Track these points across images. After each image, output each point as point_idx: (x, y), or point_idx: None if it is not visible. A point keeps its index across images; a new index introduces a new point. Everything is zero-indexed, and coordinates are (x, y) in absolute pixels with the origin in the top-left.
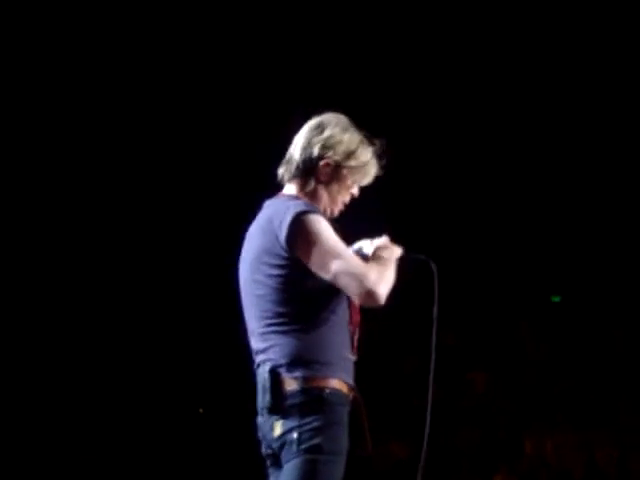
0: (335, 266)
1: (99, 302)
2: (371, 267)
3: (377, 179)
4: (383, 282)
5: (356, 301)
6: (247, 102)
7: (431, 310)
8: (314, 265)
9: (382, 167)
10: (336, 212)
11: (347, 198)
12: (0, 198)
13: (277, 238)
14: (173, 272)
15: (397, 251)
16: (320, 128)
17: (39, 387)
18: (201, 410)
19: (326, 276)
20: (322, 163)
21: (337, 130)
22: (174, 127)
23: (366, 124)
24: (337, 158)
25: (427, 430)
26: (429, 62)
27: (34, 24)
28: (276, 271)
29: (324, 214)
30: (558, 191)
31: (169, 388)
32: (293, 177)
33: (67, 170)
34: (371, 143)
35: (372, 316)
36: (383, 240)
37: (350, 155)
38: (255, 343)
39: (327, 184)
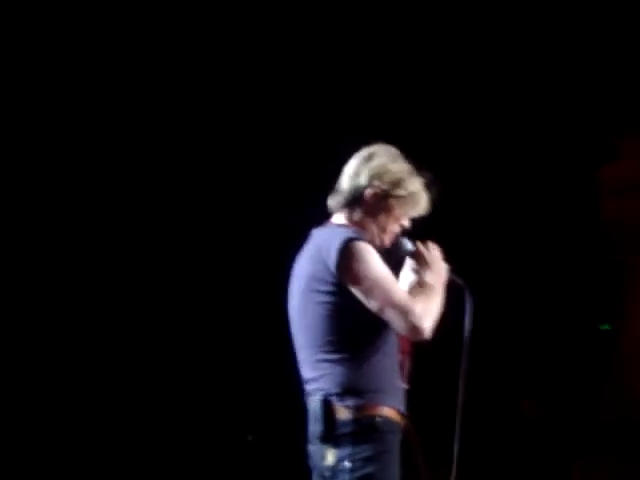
0: (381, 298)
1: (147, 320)
2: (416, 300)
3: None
4: (428, 316)
5: (402, 334)
6: (297, 135)
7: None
8: (360, 294)
9: (433, 200)
10: (387, 242)
11: (396, 228)
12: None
13: (326, 265)
14: (225, 299)
15: (444, 272)
16: (369, 158)
17: (85, 409)
18: (250, 437)
19: (372, 307)
20: (369, 192)
21: (385, 160)
22: (228, 150)
23: (411, 151)
24: (385, 187)
25: (456, 454)
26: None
27: (34, 24)
28: (326, 298)
29: (373, 243)
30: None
31: (217, 414)
32: (341, 207)
33: (106, 180)
34: (421, 174)
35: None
36: (434, 254)
37: (398, 184)
38: (306, 372)
39: (375, 214)
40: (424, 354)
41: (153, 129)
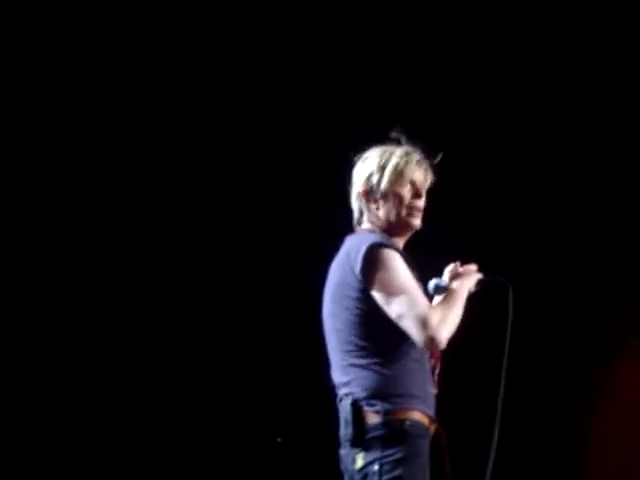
0: (399, 306)
1: (179, 321)
2: (435, 310)
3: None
4: (445, 326)
5: (418, 344)
6: (330, 143)
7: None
8: (380, 301)
9: (427, 157)
10: (417, 222)
11: (419, 203)
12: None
13: (353, 271)
14: (257, 303)
15: (471, 279)
16: (355, 178)
17: (107, 413)
18: (279, 439)
19: (390, 314)
20: (362, 191)
21: (361, 166)
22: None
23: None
24: (371, 179)
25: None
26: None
27: (34, 24)
28: (354, 304)
29: (399, 250)
30: None
31: (247, 416)
32: (360, 217)
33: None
34: (397, 144)
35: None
36: (458, 269)
37: (379, 168)
38: (337, 377)
39: (385, 205)
40: (456, 358)
41: (173, 129)
